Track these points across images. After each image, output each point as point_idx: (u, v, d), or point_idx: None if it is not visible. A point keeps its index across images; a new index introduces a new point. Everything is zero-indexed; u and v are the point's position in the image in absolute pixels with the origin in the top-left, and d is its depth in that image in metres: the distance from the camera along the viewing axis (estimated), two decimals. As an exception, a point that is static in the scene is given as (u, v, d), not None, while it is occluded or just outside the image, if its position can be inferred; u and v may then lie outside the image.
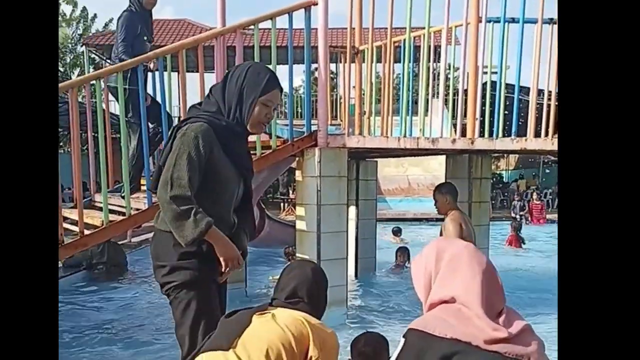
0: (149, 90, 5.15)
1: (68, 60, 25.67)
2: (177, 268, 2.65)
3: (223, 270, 2.70)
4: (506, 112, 5.61)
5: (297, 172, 5.47)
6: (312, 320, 2.23)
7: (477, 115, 5.67)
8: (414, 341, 1.73)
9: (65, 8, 26.50)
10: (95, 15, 27.87)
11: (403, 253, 8.22)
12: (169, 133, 2.80)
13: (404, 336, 1.78)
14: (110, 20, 26.77)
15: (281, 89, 2.85)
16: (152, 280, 7.31)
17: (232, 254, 2.67)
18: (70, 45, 25.79)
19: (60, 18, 26.01)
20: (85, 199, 5.30)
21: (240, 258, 2.72)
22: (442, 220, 5.70)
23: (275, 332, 2.14)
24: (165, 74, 4.79)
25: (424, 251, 1.89)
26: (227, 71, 2.86)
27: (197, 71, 4.97)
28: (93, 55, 22.02)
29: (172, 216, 2.54)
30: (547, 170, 25.55)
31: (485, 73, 6.20)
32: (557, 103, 5.46)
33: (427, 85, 5.78)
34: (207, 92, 2.92)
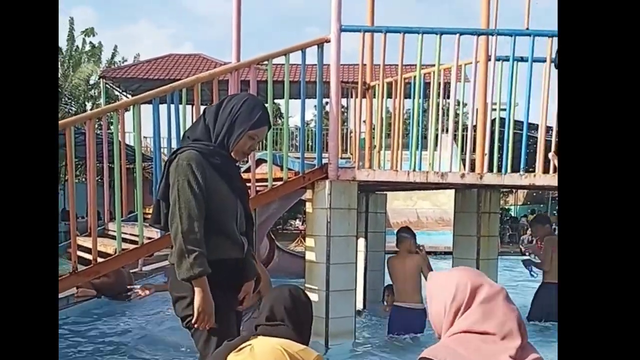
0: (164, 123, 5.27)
1: (82, 90, 25.98)
2: (193, 300, 2.66)
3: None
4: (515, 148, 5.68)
5: (308, 204, 5.54)
6: (293, 348, 2.15)
7: (486, 150, 5.74)
8: None
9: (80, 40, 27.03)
10: (115, 46, 28.55)
11: (392, 292, 7.39)
12: (163, 167, 2.88)
13: None
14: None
15: (269, 127, 2.95)
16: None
17: (208, 309, 2.65)
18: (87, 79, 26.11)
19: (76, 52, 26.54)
20: (99, 228, 5.38)
21: (212, 318, 2.68)
22: (450, 253, 5.74)
23: None
24: (181, 106, 4.92)
25: (454, 280, 1.81)
26: (224, 97, 2.95)
27: (212, 104, 5.08)
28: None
29: (177, 249, 2.62)
30: (552, 207, 25.42)
31: (494, 110, 6.29)
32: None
33: (437, 120, 5.86)
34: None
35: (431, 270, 5.55)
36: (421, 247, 5.88)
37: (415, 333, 5.73)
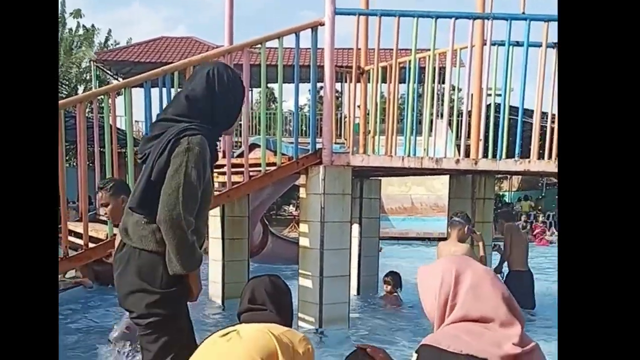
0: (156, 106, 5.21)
1: (74, 73, 25.74)
2: (166, 297, 2.50)
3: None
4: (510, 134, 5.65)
5: (302, 190, 5.51)
6: (279, 330, 2.09)
7: (481, 136, 5.71)
8: (427, 357, 1.71)
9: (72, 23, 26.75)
10: (109, 30, 28.29)
11: (393, 278, 7.09)
12: (164, 145, 2.50)
13: (416, 352, 1.76)
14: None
15: None
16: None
17: (199, 288, 2.62)
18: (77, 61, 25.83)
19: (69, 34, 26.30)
20: (90, 213, 5.33)
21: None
22: (445, 239, 5.74)
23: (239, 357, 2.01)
24: (173, 90, 4.86)
25: (439, 268, 1.82)
26: (204, 76, 2.62)
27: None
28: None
29: (181, 241, 2.42)
30: (546, 193, 25.55)
31: (490, 95, 6.26)
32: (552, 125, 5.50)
33: (432, 105, 5.83)
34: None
35: (484, 262, 5.41)
36: (477, 233, 5.70)
37: None
